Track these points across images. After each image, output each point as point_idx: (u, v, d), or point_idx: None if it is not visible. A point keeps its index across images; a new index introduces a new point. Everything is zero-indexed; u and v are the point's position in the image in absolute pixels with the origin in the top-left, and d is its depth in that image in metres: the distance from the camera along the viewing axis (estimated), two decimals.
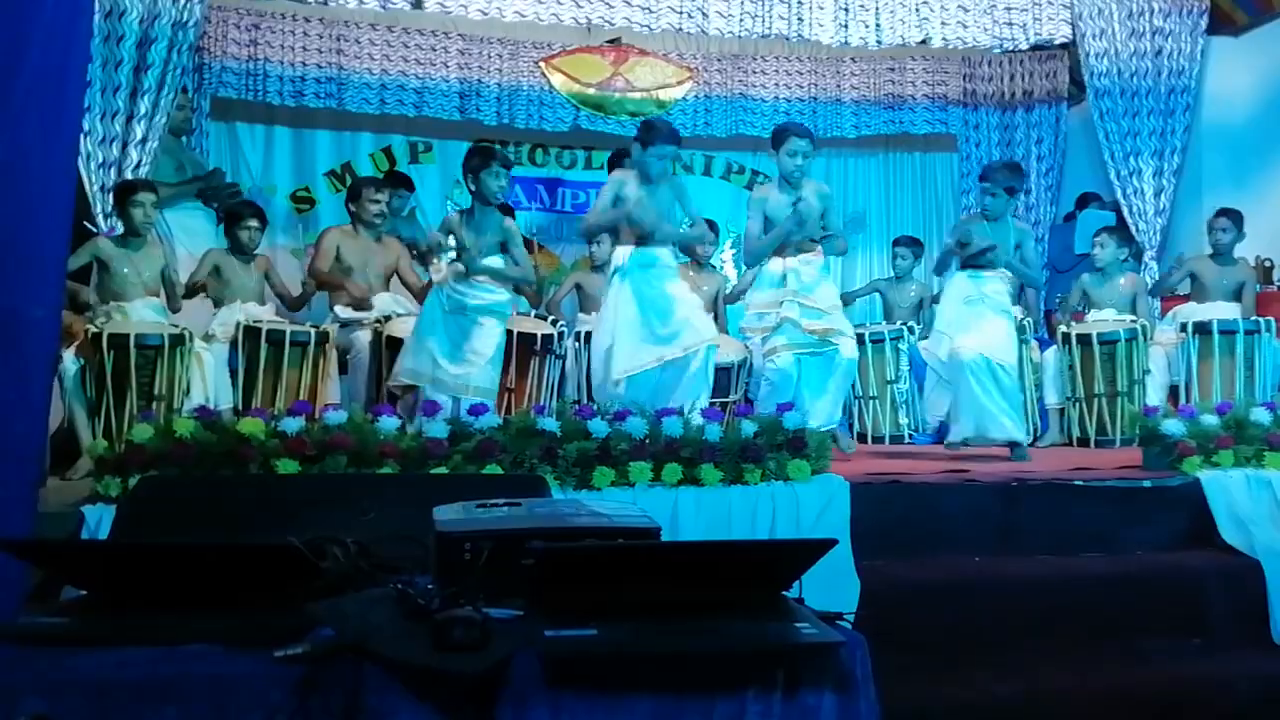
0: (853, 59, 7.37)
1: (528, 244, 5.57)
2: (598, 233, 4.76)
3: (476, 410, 3.43)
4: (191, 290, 4.92)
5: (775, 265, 4.43)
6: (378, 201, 5.16)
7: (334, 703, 1.37)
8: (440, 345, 4.07)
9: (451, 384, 4.03)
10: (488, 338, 4.13)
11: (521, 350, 4.62)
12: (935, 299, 6.40)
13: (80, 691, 1.39)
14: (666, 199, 4.24)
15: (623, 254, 4.19)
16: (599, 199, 4.33)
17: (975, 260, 4.59)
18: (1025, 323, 5.62)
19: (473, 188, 4.19)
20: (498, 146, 5.10)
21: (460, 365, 4.06)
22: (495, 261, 4.19)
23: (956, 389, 4.61)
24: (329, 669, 1.38)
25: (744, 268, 6.34)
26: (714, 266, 6.57)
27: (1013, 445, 4.53)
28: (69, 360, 3.94)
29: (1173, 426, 3.90)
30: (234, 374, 4.42)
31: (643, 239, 4.17)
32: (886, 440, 5.71)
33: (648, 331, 4.08)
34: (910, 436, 5.76)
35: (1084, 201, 7.03)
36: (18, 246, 2.38)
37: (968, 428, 4.56)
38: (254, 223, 5.04)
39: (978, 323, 4.55)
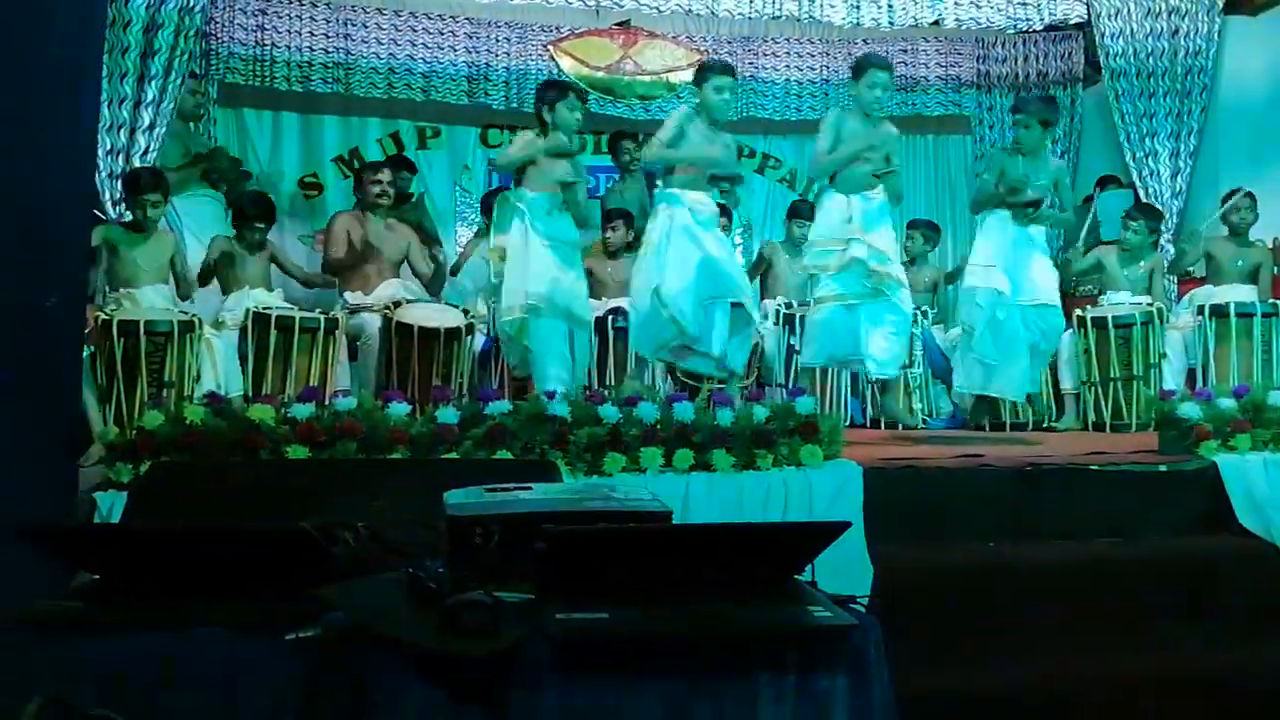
0: (865, 41, 7.26)
1: None
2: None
3: (486, 395, 3.44)
4: (205, 276, 4.92)
5: (839, 203, 4.36)
6: (379, 182, 5.15)
7: (344, 686, 1.37)
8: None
9: None
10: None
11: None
12: (950, 278, 6.36)
13: (93, 675, 1.40)
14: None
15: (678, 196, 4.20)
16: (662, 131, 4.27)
17: (1020, 209, 4.48)
18: None
19: (549, 119, 4.23)
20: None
21: None
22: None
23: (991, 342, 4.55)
24: (340, 653, 1.38)
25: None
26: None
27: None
28: None
29: (1189, 410, 3.86)
30: (244, 360, 4.42)
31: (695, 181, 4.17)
32: (900, 425, 5.66)
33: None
34: (924, 421, 5.72)
35: (1103, 184, 6.96)
36: (41, 235, 2.39)
37: (990, 383, 4.58)
38: (260, 225, 5.02)
39: (1025, 270, 4.49)
